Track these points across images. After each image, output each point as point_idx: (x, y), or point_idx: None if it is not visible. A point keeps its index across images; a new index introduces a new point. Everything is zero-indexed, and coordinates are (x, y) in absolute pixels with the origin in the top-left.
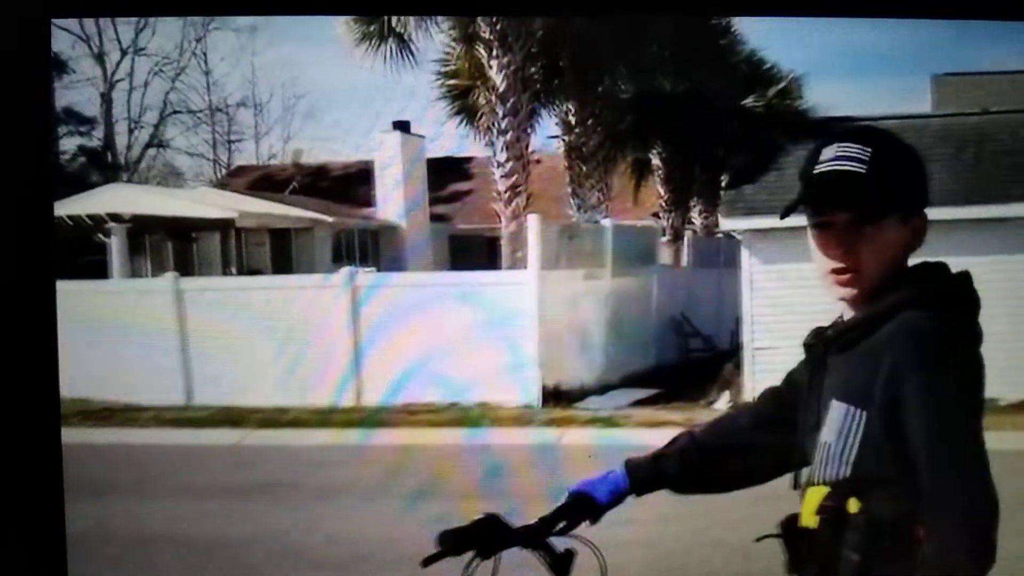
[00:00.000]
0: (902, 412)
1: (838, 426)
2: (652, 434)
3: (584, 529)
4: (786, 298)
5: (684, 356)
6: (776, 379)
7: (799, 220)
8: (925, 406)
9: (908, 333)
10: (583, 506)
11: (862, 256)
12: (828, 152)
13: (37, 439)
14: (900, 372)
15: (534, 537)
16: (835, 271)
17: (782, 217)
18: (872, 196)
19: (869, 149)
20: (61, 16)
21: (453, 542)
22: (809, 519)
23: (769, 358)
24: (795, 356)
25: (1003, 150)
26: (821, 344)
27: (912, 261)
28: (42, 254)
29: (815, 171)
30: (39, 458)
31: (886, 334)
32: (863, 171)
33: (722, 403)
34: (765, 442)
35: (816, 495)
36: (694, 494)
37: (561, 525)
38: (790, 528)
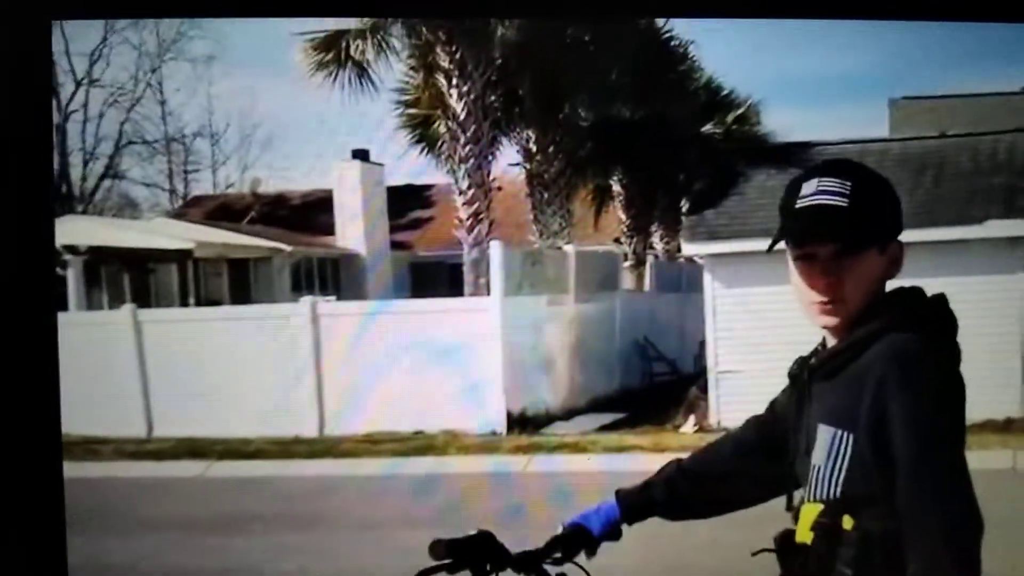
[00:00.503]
0: (887, 432)
1: (826, 449)
2: (619, 459)
3: (580, 559)
4: (749, 322)
5: (648, 380)
6: (741, 402)
7: (759, 244)
8: (909, 425)
9: (892, 355)
10: (579, 538)
11: (845, 286)
12: (809, 186)
13: (38, 474)
14: (885, 393)
15: (529, 562)
16: (820, 302)
17: (768, 250)
18: (854, 229)
19: (849, 183)
20: (62, 17)
21: (447, 553)
22: (804, 535)
23: (734, 381)
24: (759, 379)
25: (962, 173)
26: (806, 372)
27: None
28: (44, 262)
29: (797, 205)
30: (40, 492)
31: (870, 358)
32: (844, 204)
33: (688, 427)
34: (748, 469)
35: (811, 512)
36: (683, 519)
37: (557, 555)
38: (785, 543)
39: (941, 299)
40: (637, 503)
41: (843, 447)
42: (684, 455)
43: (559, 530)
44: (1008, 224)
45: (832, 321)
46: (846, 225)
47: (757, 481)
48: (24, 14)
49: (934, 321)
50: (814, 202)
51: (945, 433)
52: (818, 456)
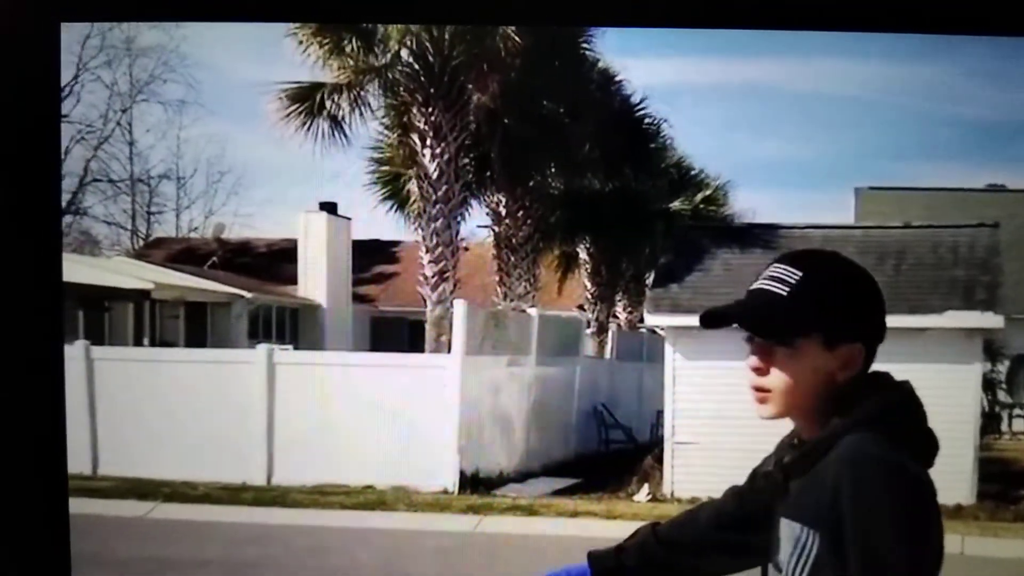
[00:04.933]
0: (844, 538)
1: (792, 545)
2: (571, 524)
3: None
4: (708, 395)
5: (604, 447)
6: (696, 473)
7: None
8: (860, 534)
9: (846, 460)
10: None
11: (772, 376)
12: (767, 270)
13: (43, 514)
14: (840, 499)
15: None
16: (754, 387)
17: (701, 322)
18: (785, 319)
19: (799, 273)
20: (70, 20)
21: None
22: None
23: (689, 452)
24: (715, 451)
25: (923, 263)
26: (781, 472)
27: None
28: (52, 271)
29: (751, 286)
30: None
31: (831, 460)
32: (784, 293)
33: (642, 496)
34: (724, 540)
35: None
36: None
37: None
38: None
39: (905, 389)
40: (609, 566)
41: (809, 545)
42: (637, 523)
43: None
44: (967, 315)
45: (764, 411)
46: (775, 314)
47: (732, 552)
48: (30, 15)
49: (895, 416)
50: (759, 286)
51: (895, 542)
52: (785, 550)
